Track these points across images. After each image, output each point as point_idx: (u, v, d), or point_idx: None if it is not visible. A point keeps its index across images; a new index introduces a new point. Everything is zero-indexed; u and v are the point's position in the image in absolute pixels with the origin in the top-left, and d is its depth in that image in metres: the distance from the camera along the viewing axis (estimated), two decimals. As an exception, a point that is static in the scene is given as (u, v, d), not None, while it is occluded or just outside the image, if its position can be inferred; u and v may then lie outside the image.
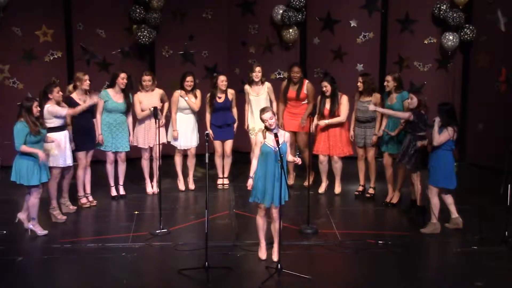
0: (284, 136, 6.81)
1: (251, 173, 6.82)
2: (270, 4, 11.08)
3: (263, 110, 6.84)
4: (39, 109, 7.56)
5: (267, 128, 6.79)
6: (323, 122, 9.01)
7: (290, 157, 6.96)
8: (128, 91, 8.96)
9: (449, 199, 7.82)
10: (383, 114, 8.66)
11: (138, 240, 7.61)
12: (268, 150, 6.77)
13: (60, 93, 8.12)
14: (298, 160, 6.96)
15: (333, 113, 8.99)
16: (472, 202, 8.61)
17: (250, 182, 6.80)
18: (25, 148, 7.40)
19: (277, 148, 6.61)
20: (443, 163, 7.63)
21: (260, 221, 7.00)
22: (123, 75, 8.86)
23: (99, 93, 8.78)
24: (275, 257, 6.89)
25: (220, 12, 11.48)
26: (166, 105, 9.26)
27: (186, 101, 9.15)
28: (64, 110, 8.08)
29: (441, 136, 7.56)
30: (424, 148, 8.01)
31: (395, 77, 8.67)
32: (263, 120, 6.79)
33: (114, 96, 8.86)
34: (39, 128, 7.48)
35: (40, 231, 7.75)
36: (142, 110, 9.04)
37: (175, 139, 9.31)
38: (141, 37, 10.70)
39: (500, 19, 10.19)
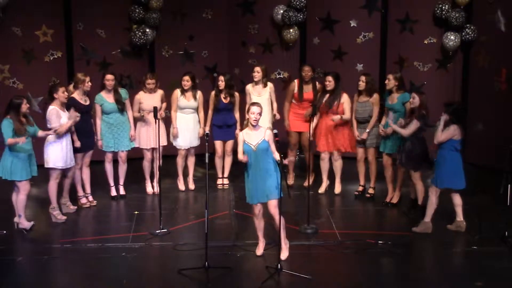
0: (265, 134, 6.77)
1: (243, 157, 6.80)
2: (271, 4, 11.09)
3: (253, 104, 6.86)
4: (28, 105, 7.67)
5: (250, 126, 6.78)
6: (337, 118, 8.89)
7: (276, 155, 6.71)
8: (118, 90, 8.90)
9: (457, 200, 7.77)
10: (379, 114, 8.77)
11: (138, 240, 7.61)
12: (247, 149, 6.79)
13: (66, 93, 8.14)
14: (286, 161, 6.81)
15: (331, 108, 8.93)
16: (472, 202, 8.60)
17: (244, 157, 6.77)
18: (10, 140, 7.47)
19: (255, 147, 6.71)
20: (448, 163, 7.59)
21: (256, 222, 7.06)
22: (108, 76, 8.85)
23: (77, 112, 8.38)
24: (283, 256, 6.90)
25: (220, 12, 11.48)
26: (164, 105, 9.24)
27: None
28: (55, 124, 7.98)
29: (443, 134, 7.52)
30: (425, 148, 8.01)
31: (396, 76, 8.66)
32: (250, 112, 6.77)
33: (108, 98, 8.85)
34: (25, 126, 7.54)
35: (27, 225, 7.83)
36: (139, 112, 9.07)
37: (175, 136, 9.30)
38: (134, 38, 10.68)
39: (500, 19, 10.18)
